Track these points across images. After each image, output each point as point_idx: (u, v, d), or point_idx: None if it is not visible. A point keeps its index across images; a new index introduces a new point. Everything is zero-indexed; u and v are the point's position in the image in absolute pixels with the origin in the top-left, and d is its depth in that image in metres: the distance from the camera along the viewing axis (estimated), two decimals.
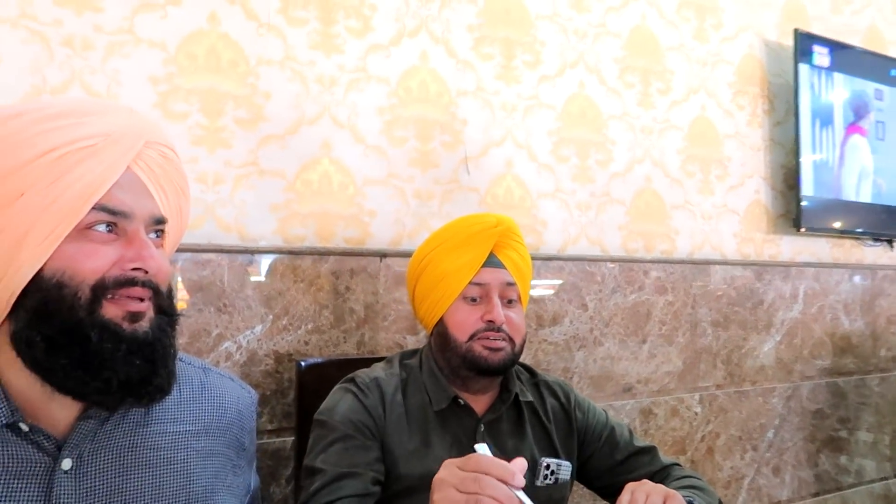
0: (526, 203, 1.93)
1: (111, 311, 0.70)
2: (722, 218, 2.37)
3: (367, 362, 1.30)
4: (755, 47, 2.46)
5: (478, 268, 1.20)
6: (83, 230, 0.69)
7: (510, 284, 1.22)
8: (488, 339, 1.18)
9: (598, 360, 2.02)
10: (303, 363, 1.42)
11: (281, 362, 1.50)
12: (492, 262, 1.21)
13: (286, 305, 1.53)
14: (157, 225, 0.75)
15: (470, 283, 1.20)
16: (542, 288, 1.92)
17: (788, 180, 2.52)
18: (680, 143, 2.26)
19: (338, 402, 1.16)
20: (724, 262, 2.34)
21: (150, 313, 0.73)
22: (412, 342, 1.67)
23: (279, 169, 1.57)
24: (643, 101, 2.18)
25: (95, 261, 0.69)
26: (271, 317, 1.51)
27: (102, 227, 0.70)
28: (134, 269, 0.71)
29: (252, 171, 1.53)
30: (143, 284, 0.71)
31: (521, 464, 0.79)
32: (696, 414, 2.22)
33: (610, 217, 2.10)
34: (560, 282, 1.96)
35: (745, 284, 2.38)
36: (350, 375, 1.22)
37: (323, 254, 1.59)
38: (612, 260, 2.08)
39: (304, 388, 1.39)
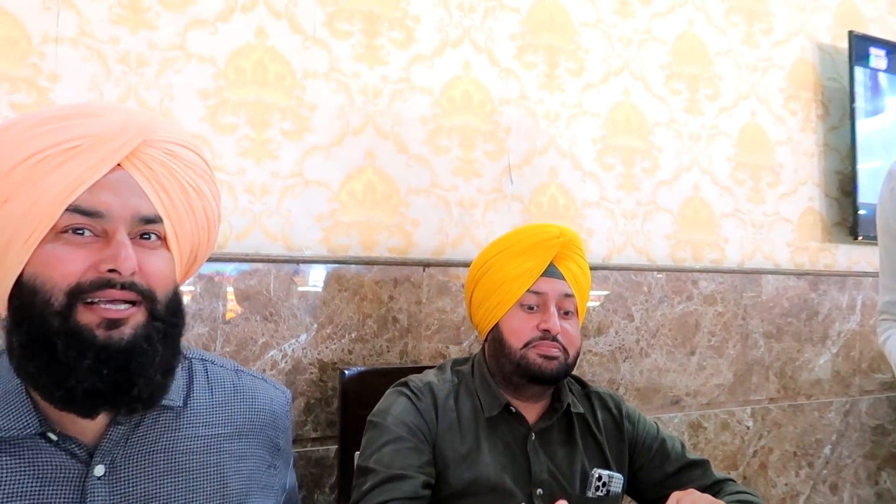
0: (570, 212, 1.91)
1: (86, 317, 0.68)
2: (774, 226, 2.30)
3: (410, 371, 1.30)
4: (807, 51, 2.39)
5: (537, 276, 1.20)
6: (59, 234, 0.68)
7: (568, 296, 1.21)
8: (543, 347, 1.17)
9: (644, 371, 1.98)
10: (346, 372, 1.43)
11: (325, 371, 1.51)
12: (552, 272, 1.21)
13: (331, 314, 1.54)
14: (147, 225, 0.72)
15: (528, 290, 1.19)
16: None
17: (844, 187, 2.43)
18: (729, 150, 2.22)
19: (392, 404, 1.17)
20: (777, 272, 2.27)
21: (137, 319, 0.70)
22: (455, 352, 1.67)
23: (324, 179, 1.59)
24: (691, 107, 2.14)
25: (67, 265, 0.67)
26: (316, 326, 1.53)
27: (80, 230, 0.68)
28: (110, 270, 0.68)
29: (298, 182, 1.56)
30: (123, 287, 0.69)
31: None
32: (748, 428, 2.16)
33: (657, 226, 2.06)
34: (606, 292, 1.93)
35: (798, 295, 2.30)
36: (403, 380, 1.22)
37: (367, 263, 1.60)
38: (660, 269, 2.04)
39: (347, 397, 1.40)
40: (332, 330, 1.54)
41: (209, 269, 1.43)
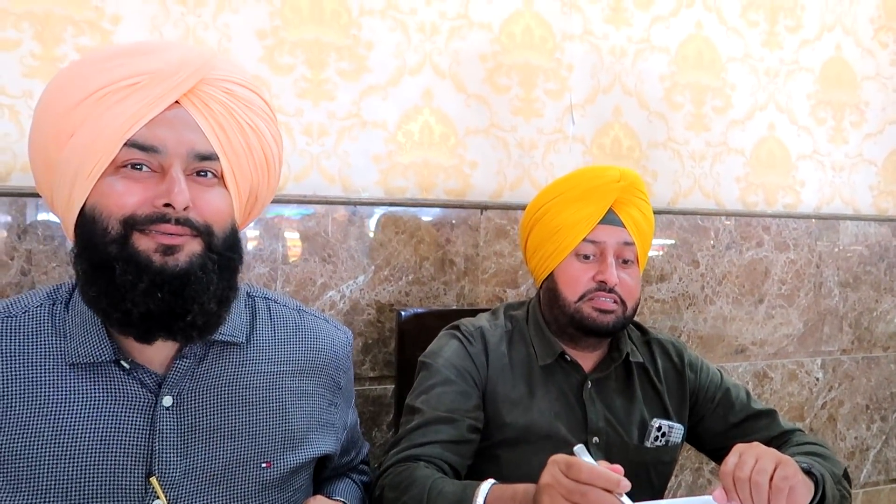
0: (635, 153, 1.84)
1: (143, 243, 0.70)
2: (856, 169, 2.16)
3: (466, 314, 1.30)
4: None
5: (594, 224, 1.15)
6: (118, 167, 0.71)
7: (628, 244, 1.16)
8: (599, 299, 1.13)
9: (708, 319, 1.93)
10: (403, 313, 1.44)
11: (382, 312, 1.53)
12: (610, 219, 1.16)
13: (388, 256, 1.55)
14: (202, 162, 0.73)
15: (585, 239, 1.14)
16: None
17: None
18: (810, 86, 2.08)
19: (443, 346, 1.17)
20: (857, 218, 2.15)
21: (193, 248, 0.72)
22: (512, 296, 1.65)
23: (381, 120, 1.57)
24: (769, 40, 2.01)
25: (124, 197, 0.70)
26: (373, 267, 1.53)
27: (139, 165, 0.71)
28: (165, 205, 0.70)
29: (355, 123, 1.55)
30: (178, 221, 0.71)
31: (620, 469, 0.77)
32: (818, 380, 2.09)
33: (727, 168, 1.97)
34: (670, 239, 1.87)
35: (879, 242, 2.18)
36: (455, 323, 1.22)
37: (424, 205, 1.59)
38: (728, 214, 1.95)
39: (404, 337, 1.42)
40: (390, 272, 1.55)
41: (268, 210, 1.45)
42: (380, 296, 1.54)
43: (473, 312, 1.29)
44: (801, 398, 2.06)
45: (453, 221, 1.61)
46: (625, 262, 1.16)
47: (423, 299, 1.57)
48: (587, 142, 1.79)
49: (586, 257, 1.15)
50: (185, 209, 0.71)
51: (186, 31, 1.42)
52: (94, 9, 1.36)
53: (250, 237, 1.46)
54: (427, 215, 1.59)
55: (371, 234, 1.54)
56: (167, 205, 0.70)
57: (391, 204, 1.56)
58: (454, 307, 1.58)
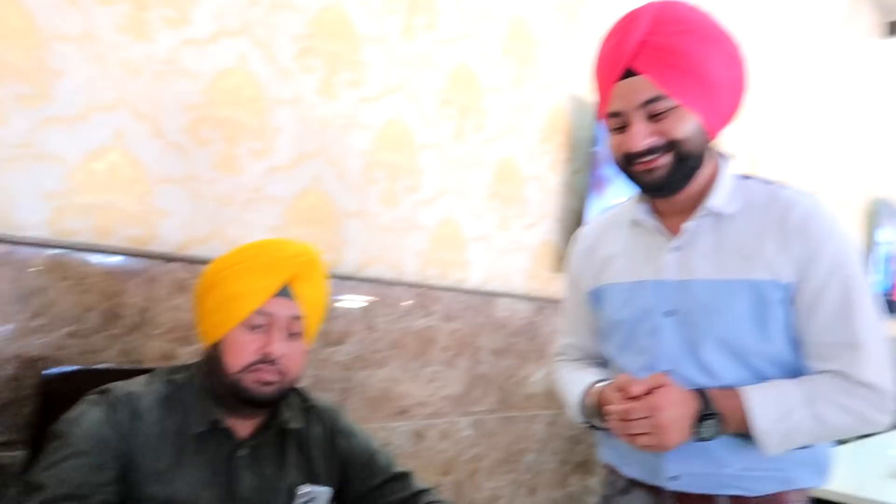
0: (329, 220, 1.94)
1: None
2: (515, 254, 2.54)
3: (125, 374, 1.24)
4: (564, 100, 2.66)
5: (268, 296, 1.19)
6: None
7: (297, 318, 1.22)
8: (261, 372, 1.18)
9: (379, 381, 2.08)
10: (47, 371, 1.31)
11: (26, 367, 1.37)
12: (285, 292, 1.21)
13: (45, 304, 1.40)
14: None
15: (256, 311, 1.18)
16: (333, 306, 1.94)
17: (580, 224, 2.76)
18: (487, 178, 2.39)
19: (82, 414, 1.10)
20: (510, 295, 2.51)
21: None
22: (185, 353, 1.61)
23: (60, 155, 1.43)
24: (458, 135, 2.28)
25: None
26: (24, 316, 1.37)
27: None
28: None
29: (27, 154, 1.39)
30: None
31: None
32: (466, 437, 2.37)
33: (410, 242, 2.17)
34: (353, 301, 1.99)
35: (526, 317, 2.57)
36: (103, 387, 1.16)
37: (98, 251, 1.48)
38: (408, 284, 2.15)
39: (46, 399, 1.28)
40: (45, 321, 1.40)
41: None
42: (27, 349, 1.37)
43: (133, 373, 1.24)
44: (451, 454, 2.31)
45: (131, 271, 1.53)
46: (292, 334, 1.22)
47: (83, 353, 1.44)
48: (286, 204, 1.83)
49: (255, 328, 1.19)
50: None
51: None
52: None
53: None
54: (101, 262, 1.48)
55: (28, 279, 1.38)
56: None
57: (59, 246, 1.42)
58: (113, 365, 1.48)
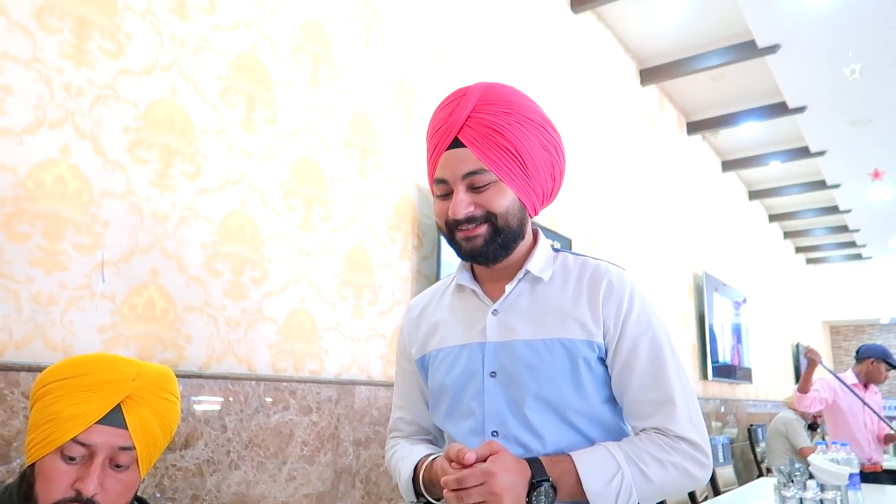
0: (169, 316, 1.84)
1: None
2: (371, 341, 2.52)
3: None
4: (409, 190, 2.76)
5: (90, 423, 1.06)
6: None
7: (125, 449, 1.10)
8: None
9: (233, 484, 1.94)
10: None
11: None
12: (112, 418, 1.08)
13: None
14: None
15: (74, 439, 1.06)
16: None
17: None
18: (337, 267, 2.39)
19: None
20: (370, 383, 2.47)
21: None
22: (2, 473, 1.42)
23: None
24: (304, 224, 2.28)
25: None
26: None
27: None
28: None
29: None
30: None
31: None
32: None
33: (260, 335, 2.09)
34: (199, 402, 1.87)
35: (387, 405, 2.52)
36: None
37: None
38: (259, 379, 2.06)
39: None
40: None
41: None
42: None
43: None
44: None
45: None
46: (118, 466, 1.10)
47: None
48: (118, 301, 1.72)
49: (72, 459, 1.06)
50: None
51: None
52: None
53: None
54: None
55: None
56: None
57: None
58: None
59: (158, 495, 1.73)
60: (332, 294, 2.37)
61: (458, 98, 1.19)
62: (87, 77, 1.69)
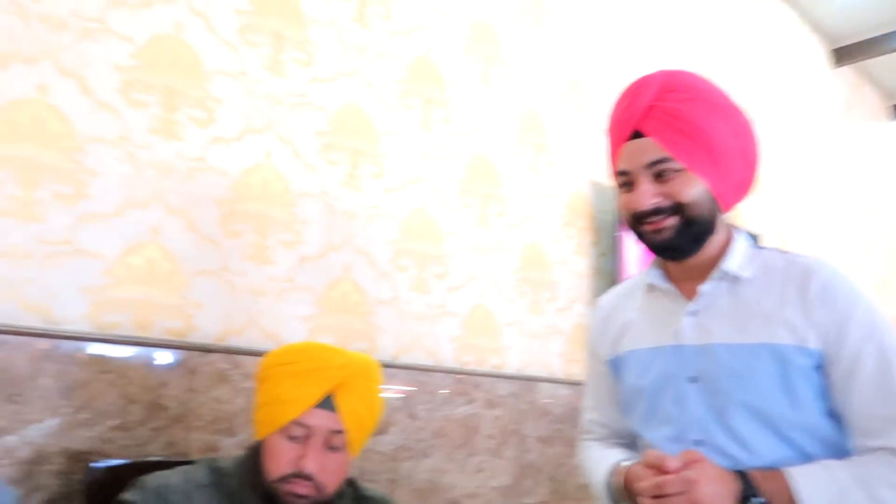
0: (361, 308, 1.94)
1: None
2: (550, 337, 2.50)
3: (171, 465, 1.21)
4: (583, 185, 2.72)
5: (307, 407, 1.15)
6: None
7: (337, 432, 1.17)
8: (295, 484, 1.13)
9: (425, 471, 1.99)
10: (94, 465, 1.28)
11: (73, 461, 1.34)
12: (326, 404, 1.17)
13: (89, 398, 1.40)
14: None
15: (294, 421, 1.15)
16: None
17: None
18: (515, 264, 2.41)
19: None
20: (551, 380, 2.44)
21: None
22: (228, 445, 1.57)
23: (98, 250, 1.48)
24: (482, 221, 2.32)
25: None
26: (69, 410, 1.37)
27: None
28: None
29: (66, 251, 1.44)
30: None
31: None
32: None
33: (444, 328, 2.15)
34: (391, 390, 1.95)
35: (568, 402, 2.48)
36: (139, 479, 1.13)
37: (139, 344, 1.49)
38: (445, 371, 2.11)
39: (93, 494, 1.25)
40: (90, 415, 1.39)
41: None
42: (74, 442, 1.36)
43: (179, 464, 1.21)
44: None
45: (171, 363, 1.53)
46: (332, 447, 1.17)
47: (127, 447, 1.42)
48: (317, 293, 1.85)
49: (293, 438, 1.15)
50: None
51: None
52: None
53: None
54: (141, 355, 1.48)
55: (71, 373, 1.39)
56: None
57: (100, 340, 1.43)
58: (160, 457, 1.45)
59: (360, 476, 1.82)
60: (510, 290, 2.38)
61: (637, 87, 1.15)
62: (284, 87, 1.84)
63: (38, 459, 1.32)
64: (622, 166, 1.15)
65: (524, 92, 2.55)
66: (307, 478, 1.12)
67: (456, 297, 2.20)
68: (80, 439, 1.37)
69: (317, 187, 1.89)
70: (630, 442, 1.31)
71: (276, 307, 1.76)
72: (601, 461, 1.24)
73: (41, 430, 1.33)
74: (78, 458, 1.35)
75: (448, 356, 2.15)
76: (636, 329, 1.25)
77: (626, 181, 1.15)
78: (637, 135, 1.12)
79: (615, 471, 1.18)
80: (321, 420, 1.15)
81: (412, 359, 2.05)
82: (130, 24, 1.57)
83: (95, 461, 1.31)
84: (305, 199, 1.86)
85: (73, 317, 1.43)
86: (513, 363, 2.34)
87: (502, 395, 2.26)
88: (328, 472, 1.15)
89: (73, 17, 1.48)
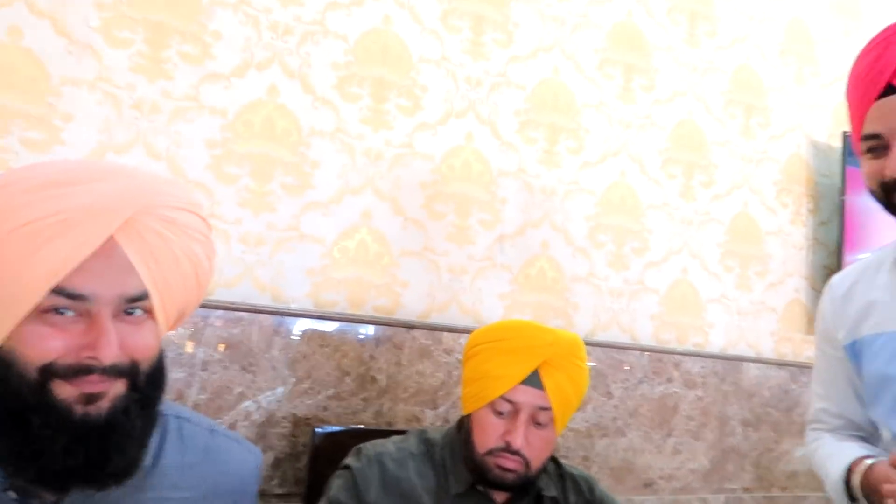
0: (558, 285, 1.94)
1: (64, 391, 0.65)
2: (760, 315, 2.33)
3: (382, 434, 1.31)
4: (802, 147, 2.46)
5: (515, 383, 1.17)
6: (42, 313, 0.65)
7: (544, 409, 1.18)
8: (503, 458, 1.16)
9: (619, 450, 1.98)
10: (318, 430, 1.43)
11: (298, 426, 1.52)
12: (532, 380, 1.18)
13: (309, 369, 1.56)
14: (134, 303, 0.69)
15: (502, 397, 1.17)
16: None
17: None
18: (720, 236, 2.26)
19: (333, 481, 1.19)
20: (759, 361, 2.29)
21: (116, 390, 0.68)
22: (430, 416, 1.67)
23: (319, 235, 1.62)
24: (685, 192, 2.19)
25: (46, 344, 0.65)
26: (294, 379, 1.54)
27: (64, 310, 0.65)
28: (88, 356, 0.65)
29: (293, 236, 1.59)
30: (103, 371, 0.66)
31: None
32: None
33: (643, 305, 2.09)
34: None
35: (779, 385, 2.31)
36: (358, 447, 1.23)
37: (352, 321, 1.62)
38: (643, 349, 2.05)
39: (317, 455, 1.41)
40: (310, 385, 1.55)
41: (192, 315, 1.45)
42: (297, 409, 1.53)
43: (389, 433, 1.31)
44: None
45: (379, 338, 1.65)
46: (538, 423, 1.18)
47: (341, 415, 1.57)
48: (514, 271, 1.88)
49: (500, 413, 1.18)
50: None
51: (137, 134, 1.46)
52: (48, 105, 1.39)
53: (170, 340, 1.45)
54: (354, 330, 1.62)
55: (295, 346, 1.55)
56: (91, 357, 0.65)
57: (319, 317, 1.58)
58: (371, 426, 1.59)
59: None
60: (715, 264, 2.24)
61: (889, 37, 1.00)
62: (484, 68, 1.85)
63: (269, 423, 1.51)
64: (871, 128, 1.01)
65: (735, 48, 2.33)
66: (515, 452, 1.16)
67: (655, 273, 2.12)
68: (303, 406, 1.54)
69: (514, 165, 1.89)
70: (869, 435, 1.20)
71: (475, 285, 1.81)
72: (836, 455, 1.15)
73: (272, 397, 1.51)
74: (302, 423, 1.52)
75: (646, 334, 2.09)
76: (883, 310, 1.11)
77: (877, 145, 1.01)
78: (889, 90, 0.98)
79: (854, 467, 1.09)
80: (528, 397, 1.17)
81: (608, 336, 2.02)
82: (345, 23, 1.66)
83: (316, 426, 1.46)
84: (504, 178, 1.88)
85: (297, 296, 1.59)
86: (717, 342, 2.22)
87: (704, 374, 2.16)
88: (535, 448, 1.18)
89: (296, 21, 1.60)
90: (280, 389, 1.52)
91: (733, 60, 2.32)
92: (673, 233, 2.16)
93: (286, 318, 1.55)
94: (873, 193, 1.05)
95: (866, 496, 1.05)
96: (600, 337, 2.00)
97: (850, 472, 1.09)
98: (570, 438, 1.90)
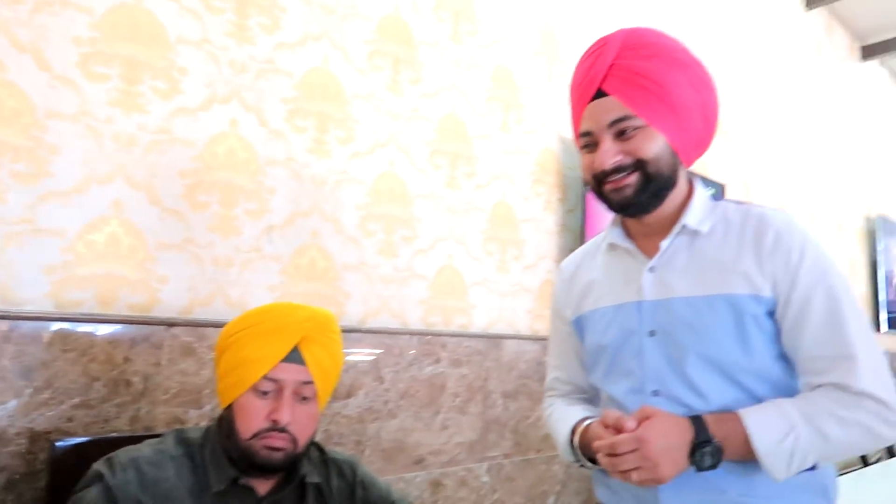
0: (329, 274, 1.95)
1: None
2: (517, 295, 2.54)
3: (137, 440, 1.23)
4: (552, 142, 2.71)
5: (276, 362, 1.18)
6: None
7: (307, 383, 1.21)
8: (270, 437, 1.17)
9: (391, 432, 2.06)
10: (59, 444, 1.30)
11: (36, 441, 1.37)
12: (293, 357, 1.20)
13: (50, 378, 1.41)
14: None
15: (264, 377, 1.18)
16: None
17: None
18: (483, 224, 2.42)
19: (84, 494, 1.11)
20: (517, 337, 2.50)
21: None
22: (195, 417, 1.60)
23: (59, 228, 1.46)
24: (450, 182, 2.32)
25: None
26: (30, 390, 1.38)
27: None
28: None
29: (25, 230, 1.42)
30: None
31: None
32: (484, 483, 2.33)
33: (412, 291, 2.18)
34: (358, 354, 1.99)
35: (534, 358, 2.55)
36: (108, 455, 1.16)
37: (100, 321, 1.49)
38: (412, 333, 2.14)
39: (58, 472, 1.28)
40: (51, 395, 1.40)
41: None
42: (35, 423, 1.37)
43: (145, 438, 1.23)
44: (469, 502, 2.27)
45: (135, 338, 1.53)
46: (303, 398, 1.22)
47: (89, 425, 1.44)
48: (284, 261, 1.85)
49: (265, 393, 1.19)
50: None
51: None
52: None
53: None
54: (104, 332, 1.49)
55: (31, 352, 1.39)
56: None
57: (61, 319, 1.43)
58: (126, 432, 1.47)
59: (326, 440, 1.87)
60: (478, 250, 2.41)
61: (599, 48, 1.16)
62: (249, 53, 1.79)
63: (1, 441, 1.34)
64: (585, 127, 1.16)
65: (495, 48, 2.50)
66: (282, 430, 1.17)
67: (423, 260, 2.22)
68: (42, 419, 1.38)
69: (283, 154, 1.86)
70: (592, 397, 1.38)
71: (242, 277, 1.76)
72: (564, 419, 1.30)
73: (2, 411, 1.34)
74: (41, 437, 1.37)
75: (415, 318, 2.18)
76: (598, 288, 1.29)
77: (590, 142, 1.16)
78: (599, 94, 1.13)
79: (577, 428, 1.24)
80: (291, 373, 1.19)
81: (379, 323, 2.08)
82: None
83: (57, 440, 1.33)
84: (272, 167, 1.83)
85: (34, 296, 1.42)
86: (479, 322, 2.39)
87: (468, 353, 2.31)
88: (301, 424, 1.20)
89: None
90: (13, 403, 1.35)
91: (493, 59, 2.49)
92: (439, 221, 2.27)
93: (20, 321, 1.38)
94: (588, 184, 1.20)
95: (585, 454, 1.21)
96: (371, 324, 2.05)
97: (573, 433, 1.25)
98: (343, 425, 1.93)
